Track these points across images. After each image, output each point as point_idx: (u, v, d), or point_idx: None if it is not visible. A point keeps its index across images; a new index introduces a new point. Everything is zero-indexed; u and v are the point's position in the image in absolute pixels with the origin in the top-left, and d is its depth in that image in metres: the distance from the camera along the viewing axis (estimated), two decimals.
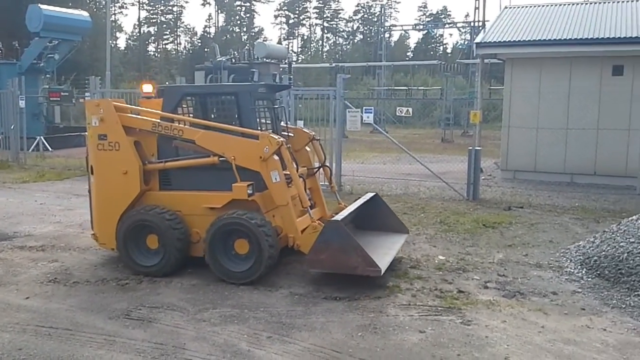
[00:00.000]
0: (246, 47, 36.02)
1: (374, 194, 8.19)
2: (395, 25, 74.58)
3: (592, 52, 14.40)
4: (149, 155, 7.28)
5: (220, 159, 6.86)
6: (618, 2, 16.64)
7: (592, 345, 5.15)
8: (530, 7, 17.92)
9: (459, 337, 5.26)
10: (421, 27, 69.44)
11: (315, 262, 6.49)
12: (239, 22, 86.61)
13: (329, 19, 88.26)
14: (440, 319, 5.68)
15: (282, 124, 8.10)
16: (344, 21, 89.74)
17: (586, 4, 17.33)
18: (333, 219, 6.70)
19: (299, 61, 72.15)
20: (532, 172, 14.98)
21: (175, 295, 6.33)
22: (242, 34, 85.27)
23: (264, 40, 52.62)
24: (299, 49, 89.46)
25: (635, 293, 6.29)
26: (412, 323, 5.57)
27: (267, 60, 29.67)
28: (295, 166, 7.13)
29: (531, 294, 6.42)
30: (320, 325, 5.50)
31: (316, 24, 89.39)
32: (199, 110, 7.46)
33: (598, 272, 6.99)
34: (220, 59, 29.98)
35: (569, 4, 17.42)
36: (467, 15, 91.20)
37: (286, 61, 33.00)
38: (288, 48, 72.99)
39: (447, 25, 66.88)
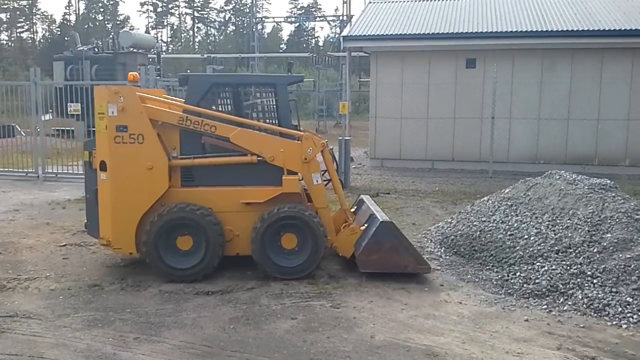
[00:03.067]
0: (110, 36, 34.14)
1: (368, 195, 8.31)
2: (268, 17, 74.50)
3: (447, 46, 15.45)
4: (170, 149, 6.60)
5: (259, 158, 6.54)
6: None
7: (450, 318, 5.56)
8: (394, 2, 18.79)
9: (329, 320, 5.44)
10: (293, 19, 70.07)
11: (366, 263, 6.52)
12: (101, 9, 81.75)
13: (199, 9, 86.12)
14: (312, 305, 5.83)
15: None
16: (215, 11, 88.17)
17: (445, 0, 18.53)
18: (383, 220, 6.63)
19: (169, 51, 69.74)
20: (397, 159, 15.80)
21: (33, 303, 5.88)
22: (105, 22, 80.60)
23: (130, 29, 50.10)
24: (169, 39, 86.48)
25: (487, 267, 6.89)
26: (284, 311, 5.65)
27: (134, 50, 28.42)
28: (335, 167, 6.98)
29: (396, 274, 6.74)
30: (191, 321, 5.40)
31: (186, 14, 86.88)
32: (229, 103, 6.80)
33: (455, 250, 7.56)
34: (82, 48, 28.21)
35: (429, 0, 18.52)
36: (336, 9, 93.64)
37: (154, 51, 31.79)
38: (156, 38, 70.23)
39: (317, 19, 68.27)
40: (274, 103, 6.90)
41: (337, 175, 7.03)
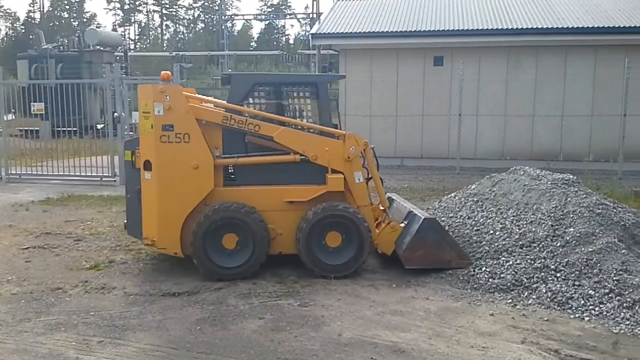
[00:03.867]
0: (76, 34, 33.54)
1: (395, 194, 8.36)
2: (237, 15, 74.08)
3: (415, 44, 15.58)
4: (213, 148, 6.58)
5: (301, 157, 6.60)
6: None
7: (416, 314, 5.60)
8: (362, 0, 18.84)
9: (297, 319, 5.42)
10: (263, 17, 69.81)
11: (411, 259, 6.63)
12: (67, 7, 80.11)
13: (167, 6, 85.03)
14: (280, 304, 5.80)
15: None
16: (184, 9, 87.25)
17: None
18: (426, 217, 6.79)
19: (137, 49, 68.79)
20: None
21: None
22: (71, 20, 79.04)
23: (96, 27, 49.27)
24: (137, 37, 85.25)
25: None
26: (252, 311, 5.61)
27: (100, 48, 28.00)
28: (376, 165, 7.02)
29: (364, 271, 6.79)
30: (157, 323, 5.32)
31: (154, 11, 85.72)
32: (272, 102, 6.86)
33: None
34: (46, 46, 27.66)
35: None
36: (306, 7, 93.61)
37: (121, 49, 31.36)
38: (124, 35, 69.17)
39: (288, 16, 68.12)
40: (315, 102, 6.97)
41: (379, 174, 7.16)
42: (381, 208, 7.14)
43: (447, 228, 7.56)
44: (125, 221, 7.18)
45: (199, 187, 6.46)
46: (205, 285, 6.26)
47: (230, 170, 6.75)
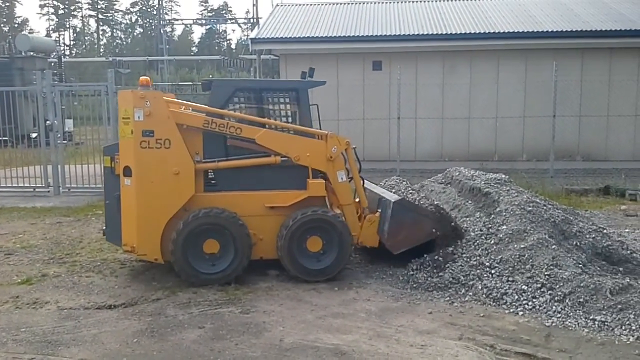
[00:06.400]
0: (7, 39, 32.24)
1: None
2: (177, 19, 73.05)
3: (354, 49, 15.77)
4: (194, 154, 6.51)
5: (282, 159, 6.62)
6: (380, 3, 18.54)
7: (358, 315, 5.65)
8: (301, 5, 18.95)
9: (238, 326, 5.36)
10: (203, 22, 69.05)
11: (396, 245, 6.77)
12: None
13: (103, 11, 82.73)
14: (220, 312, 5.72)
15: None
16: (121, 13, 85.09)
17: (351, 4, 18.94)
18: (395, 200, 6.82)
19: (72, 55, 66.61)
20: None
21: None
22: (1, 25, 75.68)
23: (29, 33, 47.45)
24: (72, 42, 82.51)
25: (393, 263, 7.05)
26: (192, 320, 5.52)
27: (33, 54, 27.02)
28: (358, 166, 7.03)
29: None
30: (92, 337, 5.15)
31: (89, 16, 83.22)
32: (252, 107, 6.80)
33: (364, 247, 7.67)
34: None
35: (335, 4, 18.86)
36: (247, 12, 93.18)
37: (55, 55, 30.36)
38: (58, 41, 66.83)
39: (229, 21, 67.57)
40: (296, 107, 7.03)
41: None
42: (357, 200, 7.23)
43: None
44: (104, 227, 7.02)
45: (180, 192, 6.44)
46: (143, 296, 6.11)
47: (210, 176, 6.79)
